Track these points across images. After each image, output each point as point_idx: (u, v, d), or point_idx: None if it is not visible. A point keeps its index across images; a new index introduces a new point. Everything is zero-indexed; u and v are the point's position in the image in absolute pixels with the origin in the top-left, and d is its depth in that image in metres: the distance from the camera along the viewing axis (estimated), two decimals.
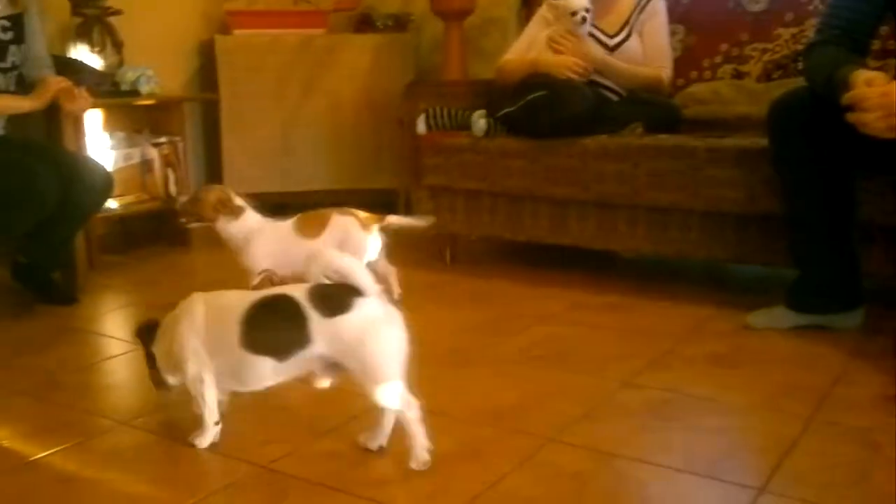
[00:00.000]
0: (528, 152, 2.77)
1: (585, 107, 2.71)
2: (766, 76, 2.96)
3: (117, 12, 3.42)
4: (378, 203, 3.99)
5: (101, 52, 3.40)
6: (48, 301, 2.71)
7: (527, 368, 2.10)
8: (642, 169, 2.56)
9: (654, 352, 2.16)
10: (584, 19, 2.85)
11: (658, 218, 2.60)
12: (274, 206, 4.07)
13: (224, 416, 1.68)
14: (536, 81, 2.77)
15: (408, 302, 2.67)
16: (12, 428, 1.78)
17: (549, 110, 2.70)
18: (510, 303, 2.65)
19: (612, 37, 2.98)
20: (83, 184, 2.59)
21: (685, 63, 3.12)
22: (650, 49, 2.98)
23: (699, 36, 3.14)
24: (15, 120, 2.80)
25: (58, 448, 1.68)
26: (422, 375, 2.03)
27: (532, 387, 1.97)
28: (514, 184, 2.80)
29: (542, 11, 3.02)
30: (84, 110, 2.82)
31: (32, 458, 1.64)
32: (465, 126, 2.95)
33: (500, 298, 2.71)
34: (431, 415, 1.80)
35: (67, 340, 2.32)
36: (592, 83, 2.86)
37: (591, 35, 2.95)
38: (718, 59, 3.09)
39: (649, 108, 2.84)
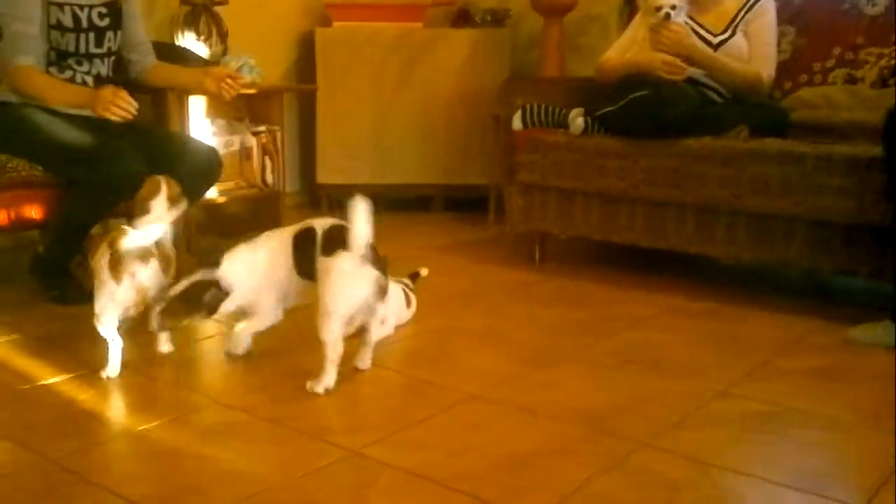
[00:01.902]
0: (627, 152, 2.72)
1: (688, 107, 2.65)
2: (882, 82, 2.84)
3: (223, 2, 3.50)
4: (469, 199, 4.01)
5: (207, 40, 3.49)
6: None
7: (618, 372, 2.06)
8: (747, 174, 2.48)
9: (751, 362, 2.09)
10: (667, 15, 2.79)
11: (760, 225, 2.52)
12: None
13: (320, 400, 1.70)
14: (638, 81, 2.73)
15: (495, 299, 2.68)
16: (116, 399, 1.84)
17: (651, 110, 2.65)
18: (600, 305, 2.61)
19: (716, 35, 2.91)
20: (190, 164, 2.63)
21: (794, 66, 3.02)
22: (753, 47, 2.90)
23: (810, 38, 3.03)
24: None
25: (158, 421, 1.73)
26: (509, 373, 2.03)
27: (623, 390, 1.93)
28: (610, 184, 2.76)
29: (643, 9, 2.97)
30: (231, 96, 2.80)
31: (135, 430, 1.69)
32: (562, 124, 2.92)
33: (590, 300, 2.67)
34: (519, 412, 1.80)
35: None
36: (696, 83, 2.80)
37: (694, 32, 2.88)
38: (830, 63, 2.97)
39: (756, 110, 2.76)
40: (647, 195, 2.70)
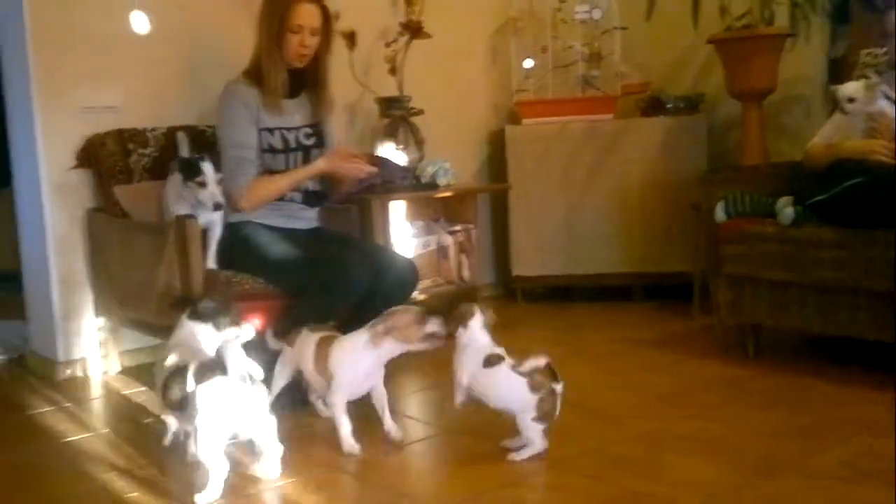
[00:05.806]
0: (844, 242, 2.55)
1: None
2: None
3: (419, 112, 3.67)
4: (670, 287, 3.87)
5: (406, 148, 3.66)
6: None
7: (850, 486, 1.89)
8: None
9: None
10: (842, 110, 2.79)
11: None
12: (558, 289, 4.15)
13: None
14: (851, 167, 2.58)
15: (706, 399, 2.55)
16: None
17: (868, 198, 2.50)
18: (825, 405, 2.42)
19: None
20: (392, 278, 2.74)
21: None
22: None
23: None
24: (330, 214, 3.10)
25: None
26: (726, 485, 1.91)
27: None
28: (826, 275, 2.59)
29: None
30: (358, 173, 2.86)
31: None
32: (768, 213, 2.79)
33: (813, 400, 2.48)
34: None
35: (364, 419, 2.30)
36: None
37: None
38: None
39: None
40: (868, 287, 2.51)
